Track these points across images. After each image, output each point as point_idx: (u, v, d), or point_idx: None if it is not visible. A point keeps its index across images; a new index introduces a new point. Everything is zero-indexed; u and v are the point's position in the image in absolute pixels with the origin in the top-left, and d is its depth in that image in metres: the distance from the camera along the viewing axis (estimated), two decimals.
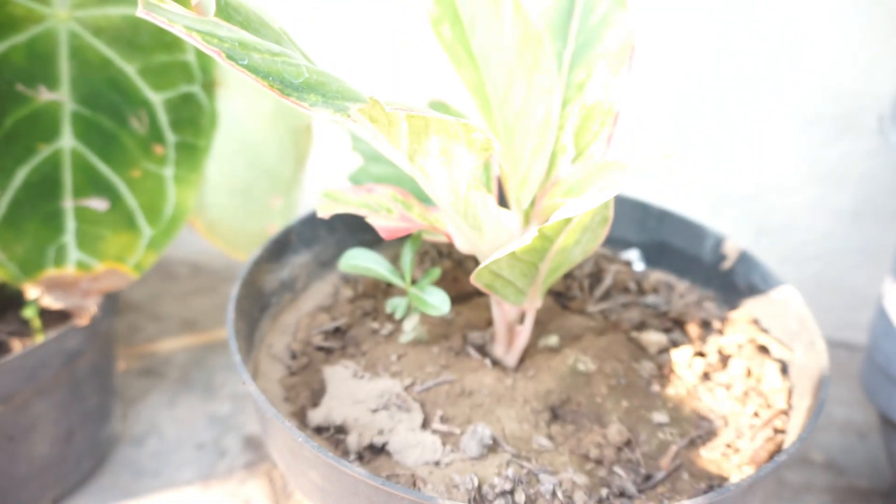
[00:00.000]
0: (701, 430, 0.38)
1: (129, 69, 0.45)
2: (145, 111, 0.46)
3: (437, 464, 0.35)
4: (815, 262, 0.70)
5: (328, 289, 0.49)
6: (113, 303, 0.52)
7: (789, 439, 0.36)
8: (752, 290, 0.46)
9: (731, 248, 0.48)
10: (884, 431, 0.52)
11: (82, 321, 0.45)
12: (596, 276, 0.50)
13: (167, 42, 0.45)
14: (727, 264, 0.48)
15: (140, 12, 0.20)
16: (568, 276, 0.50)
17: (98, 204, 0.45)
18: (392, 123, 0.29)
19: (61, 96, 0.45)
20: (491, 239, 0.37)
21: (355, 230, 0.50)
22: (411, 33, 0.64)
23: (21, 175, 0.44)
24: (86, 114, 0.44)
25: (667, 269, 0.51)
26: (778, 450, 0.36)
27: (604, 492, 0.33)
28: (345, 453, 0.36)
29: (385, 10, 0.63)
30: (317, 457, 0.29)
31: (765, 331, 0.44)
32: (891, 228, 0.67)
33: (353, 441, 0.36)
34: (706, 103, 0.64)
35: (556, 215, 0.30)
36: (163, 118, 0.47)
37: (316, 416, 0.37)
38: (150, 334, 0.73)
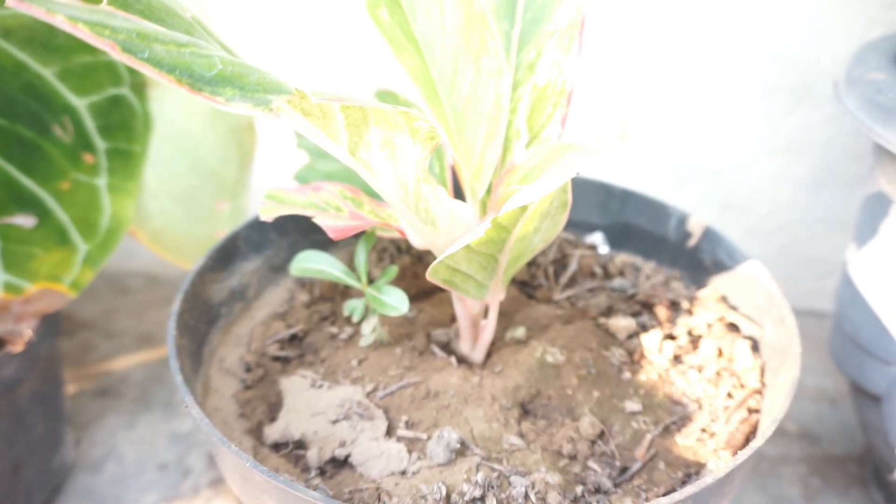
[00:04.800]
0: (675, 416, 0.36)
1: (47, 73, 0.41)
2: (69, 118, 0.43)
3: (403, 473, 0.33)
4: (780, 234, 0.70)
5: (283, 294, 0.46)
6: (53, 324, 0.49)
7: (764, 419, 0.35)
8: (719, 267, 0.45)
9: (696, 225, 0.47)
10: (855, 399, 0.51)
11: (16, 348, 0.42)
12: (561, 263, 0.49)
13: (87, 42, 0.42)
14: (692, 242, 0.47)
15: (10, 1, 0.17)
16: (532, 263, 0.48)
17: (24, 221, 0.42)
18: (327, 116, 0.27)
19: None
20: (446, 233, 0.36)
21: (308, 231, 0.48)
22: (355, 18, 0.61)
23: None
24: (1, 124, 0.41)
25: (632, 251, 0.50)
26: (753, 430, 0.35)
27: (579, 489, 0.32)
28: (305, 470, 0.34)
29: None
30: (268, 482, 0.27)
31: (734, 308, 0.43)
32: (850, 196, 0.67)
33: (313, 456, 0.34)
34: (661, 77, 0.63)
35: (509, 204, 0.28)
36: (89, 124, 0.44)
37: (273, 433, 0.35)
38: (104, 352, 0.69)
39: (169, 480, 0.56)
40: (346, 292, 0.46)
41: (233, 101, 0.21)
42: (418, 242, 0.37)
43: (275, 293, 0.46)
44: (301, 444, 0.35)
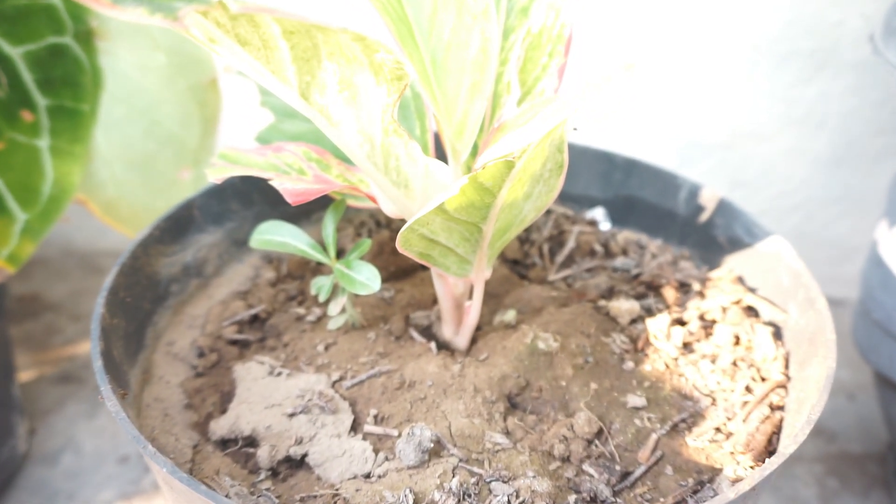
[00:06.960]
0: (685, 413, 0.32)
1: None
2: (2, 69, 0.38)
3: (367, 477, 0.28)
4: (794, 214, 0.65)
5: (247, 272, 0.41)
6: None
7: (790, 417, 0.31)
8: (735, 245, 0.40)
9: (709, 198, 0.42)
10: (880, 391, 0.47)
11: None
12: (557, 240, 0.44)
13: None
14: (704, 217, 0.42)
15: None
16: (525, 240, 0.44)
17: None
18: (268, 46, 0.22)
19: None
20: (422, 198, 0.31)
21: (276, 202, 0.43)
22: None
23: None
24: None
25: (637, 227, 0.45)
26: (776, 431, 0.31)
27: (572, 498, 0.27)
28: (254, 471, 0.29)
29: None
30: (189, 491, 0.22)
31: (752, 290, 0.39)
32: (872, 173, 0.62)
33: (264, 455, 0.29)
34: (667, 39, 0.57)
35: (489, 153, 0.23)
36: (27, 77, 0.39)
37: (219, 427, 0.31)
38: (69, 336, 0.65)
39: (129, 475, 0.52)
40: (317, 270, 0.42)
41: (122, 4, 0.16)
42: (391, 210, 0.32)
43: (238, 270, 0.41)
44: (252, 441, 0.30)
